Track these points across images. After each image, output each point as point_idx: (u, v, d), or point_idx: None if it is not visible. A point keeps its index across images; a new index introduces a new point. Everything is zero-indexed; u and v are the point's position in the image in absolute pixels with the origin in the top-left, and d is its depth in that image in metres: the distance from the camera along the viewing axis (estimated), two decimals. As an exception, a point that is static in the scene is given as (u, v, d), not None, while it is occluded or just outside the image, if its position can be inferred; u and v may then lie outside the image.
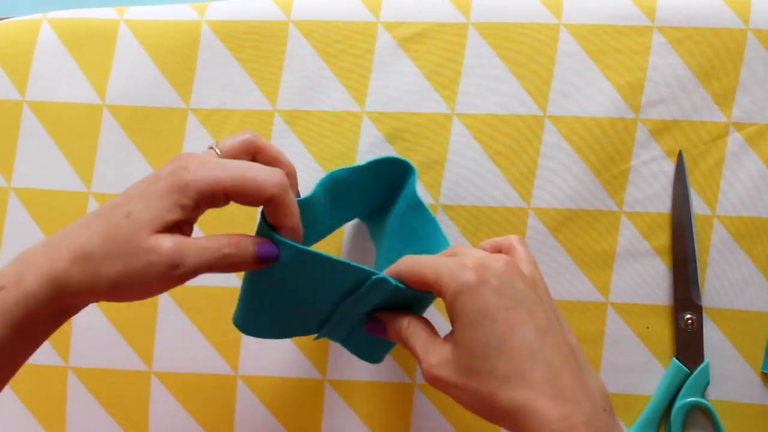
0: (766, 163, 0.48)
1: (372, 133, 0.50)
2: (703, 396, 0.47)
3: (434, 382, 0.34)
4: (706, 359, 0.47)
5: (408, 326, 0.36)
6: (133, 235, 0.33)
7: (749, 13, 0.48)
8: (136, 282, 0.34)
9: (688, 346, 0.47)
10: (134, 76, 0.52)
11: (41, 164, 0.52)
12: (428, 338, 0.35)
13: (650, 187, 0.49)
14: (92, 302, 0.36)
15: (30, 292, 0.33)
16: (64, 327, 0.51)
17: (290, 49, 0.51)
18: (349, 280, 0.37)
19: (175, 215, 0.34)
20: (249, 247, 0.35)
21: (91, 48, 0.52)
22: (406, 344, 0.36)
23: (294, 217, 0.36)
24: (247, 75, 0.51)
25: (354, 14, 0.51)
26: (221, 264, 0.34)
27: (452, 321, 0.33)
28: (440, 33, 0.50)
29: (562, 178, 0.49)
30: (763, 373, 0.47)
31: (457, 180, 0.50)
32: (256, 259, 0.35)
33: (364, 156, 0.50)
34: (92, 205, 0.51)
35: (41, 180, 0.52)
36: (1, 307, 0.33)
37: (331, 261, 0.36)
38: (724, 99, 0.48)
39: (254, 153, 0.38)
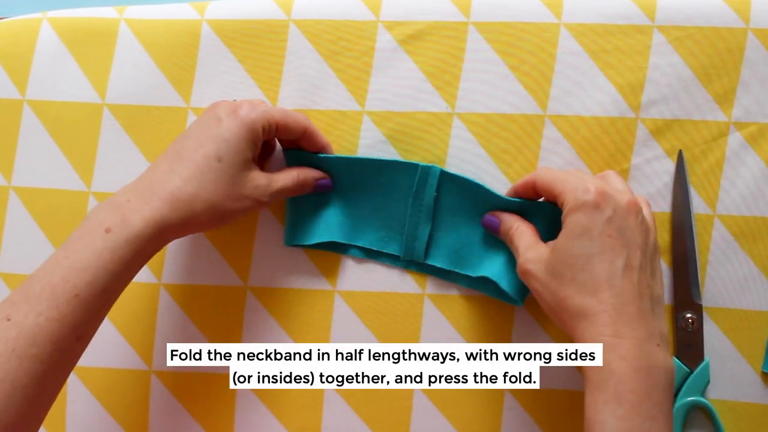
0: (766, 163, 0.48)
1: (372, 133, 0.50)
2: (703, 395, 0.47)
3: (524, 274, 0.41)
4: (706, 359, 0.47)
5: (517, 227, 0.43)
6: (231, 175, 0.41)
7: (749, 12, 0.48)
8: (237, 213, 0.42)
9: (688, 346, 0.47)
10: (134, 75, 0.52)
11: (41, 164, 0.52)
12: (531, 239, 0.42)
13: (650, 186, 0.49)
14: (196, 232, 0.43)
15: (138, 233, 0.38)
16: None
17: (290, 49, 0.51)
18: (400, 179, 0.47)
19: (254, 151, 0.42)
20: (310, 182, 0.46)
21: (91, 47, 0.52)
22: (511, 242, 0.43)
23: (324, 138, 0.47)
24: (247, 74, 0.51)
25: (354, 13, 0.51)
26: (299, 188, 0.46)
27: (562, 230, 0.39)
28: (440, 32, 0.50)
29: (562, 178, 0.49)
30: (763, 372, 0.47)
31: (457, 179, 0.50)
32: (315, 188, 0.47)
33: (364, 154, 0.50)
34: (92, 205, 0.51)
35: (41, 180, 0.52)
36: (112, 246, 0.38)
37: (372, 161, 0.47)
38: (725, 98, 0.48)
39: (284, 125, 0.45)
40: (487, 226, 0.46)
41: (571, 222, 0.38)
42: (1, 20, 0.54)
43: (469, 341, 0.49)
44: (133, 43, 0.52)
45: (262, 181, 0.43)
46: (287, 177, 0.45)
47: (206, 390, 0.50)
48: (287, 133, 0.45)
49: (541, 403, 0.48)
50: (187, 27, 0.52)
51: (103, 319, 0.39)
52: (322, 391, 0.49)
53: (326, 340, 0.50)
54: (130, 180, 0.51)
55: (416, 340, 0.49)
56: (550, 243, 0.40)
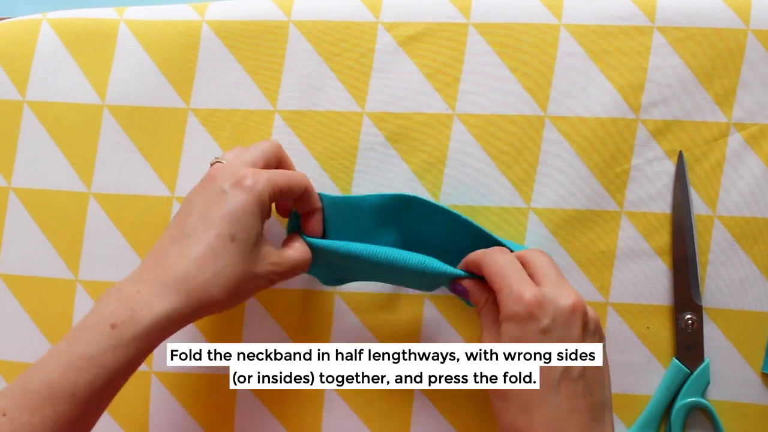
0: (766, 163, 0.48)
1: (372, 133, 0.50)
2: (703, 396, 0.47)
3: None
4: (706, 359, 0.47)
5: (484, 302, 0.40)
6: (246, 255, 0.38)
7: (749, 13, 0.48)
8: (252, 291, 0.40)
9: (688, 346, 0.47)
10: (134, 76, 0.52)
11: (41, 164, 0.52)
12: (492, 324, 0.39)
13: (651, 187, 0.49)
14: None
15: (145, 329, 0.36)
16: (64, 326, 0.51)
17: (290, 49, 0.51)
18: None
19: (262, 226, 0.40)
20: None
21: (91, 48, 0.52)
22: (479, 315, 0.40)
23: (317, 201, 0.45)
24: (247, 75, 0.51)
25: (354, 14, 0.51)
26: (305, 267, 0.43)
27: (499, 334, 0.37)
28: (440, 33, 0.50)
29: (563, 178, 0.49)
30: (763, 373, 0.47)
31: (457, 180, 0.50)
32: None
33: (364, 154, 0.50)
34: (92, 205, 0.51)
35: (41, 180, 0.52)
36: (116, 343, 0.35)
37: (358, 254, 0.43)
38: (725, 99, 0.48)
39: (277, 162, 0.44)
40: (455, 293, 0.43)
41: (503, 332, 0.37)
42: (1, 21, 0.54)
43: (469, 341, 0.49)
44: (133, 44, 0.52)
45: (274, 258, 0.40)
46: (297, 253, 0.42)
47: (206, 390, 0.50)
48: (289, 196, 0.42)
49: (541, 404, 0.48)
50: (187, 28, 0.52)
51: (101, 413, 0.37)
52: (322, 391, 0.49)
53: (326, 340, 0.50)
54: (130, 180, 0.52)
55: (416, 340, 0.49)
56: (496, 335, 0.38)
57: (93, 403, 0.35)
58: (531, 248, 0.42)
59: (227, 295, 0.37)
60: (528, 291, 0.36)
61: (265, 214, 0.40)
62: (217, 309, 0.38)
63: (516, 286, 0.37)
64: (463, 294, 0.42)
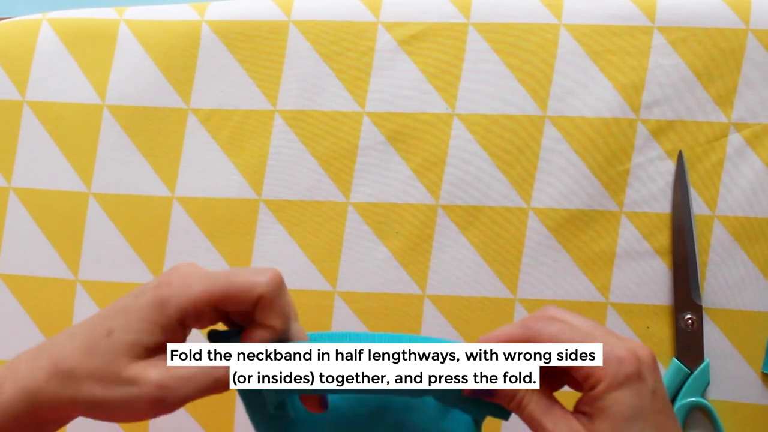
0: (766, 164, 0.48)
1: (372, 133, 0.50)
2: (703, 396, 0.47)
3: None
4: (706, 359, 0.47)
5: (525, 394, 0.33)
6: (112, 358, 0.31)
7: (749, 13, 0.48)
8: (118, 409, 0.31)
9: (688, 346, 0.47)
10: (134, 76, 0.52)
11: (41, 164, 0.52)
12: (553, 406, 0.32)
13: (650, 187, 0.49)
14: (78, 416, 0.32)
15: (4, 402, 0.31)
16: (64, 326, 0.51)
17: (290, 49, 0.51)
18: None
19: (156, 338, 0.31)
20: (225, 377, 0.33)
21: (91, 48, 0.52)
22: (522, 411, 0.33)
23: (283, 318, 0.33)
24: (247, 75, 0.51)
25: (354, 14, 0.51)
26: (213, 389, 0.32)
27: (594, 415, 0.31)
28: (440, 33, 0.50)
29: (562, 178, 0.49)
30: (763, 373, 0.47)
31: (457, 180, 0.49)
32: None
33: (364, 154, 0.50)
34: (92, 205, 0.51)
35: (41, 180, 0.52)
36: None
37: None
38: (725, 99, 0.48)
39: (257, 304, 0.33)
40: (478, 392, 0.35)
41: (614, 404, 0.30)
42: (1, 21, 0.54)
43: (469, 341, 0.49)
44: (133, 44, 0.52)
45: (151, 373, 0.31)
46: (200, 372, 0.32)
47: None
48: (232, 309, 0.33)
49: (541, 404, 0.48)
50: (187, 28, 0.52)
51: None
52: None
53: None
54: (130, 181, 0.52)
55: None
56: (582, 418, 0.31)
57: None
58: (538, 311, 0.36)
59: (84, 391, 0.31)
60: (620, 346, 0.31)
61: (165, 328, 0.32)
62: (82, 408, 0.31)
63: (612, 345, 0.31)
64: (487, 396, 0.34)
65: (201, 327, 0.33)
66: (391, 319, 0.49)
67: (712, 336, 0.48)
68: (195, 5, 0.52)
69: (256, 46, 0.51)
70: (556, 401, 0.33)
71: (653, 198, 0.49)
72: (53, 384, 0.31)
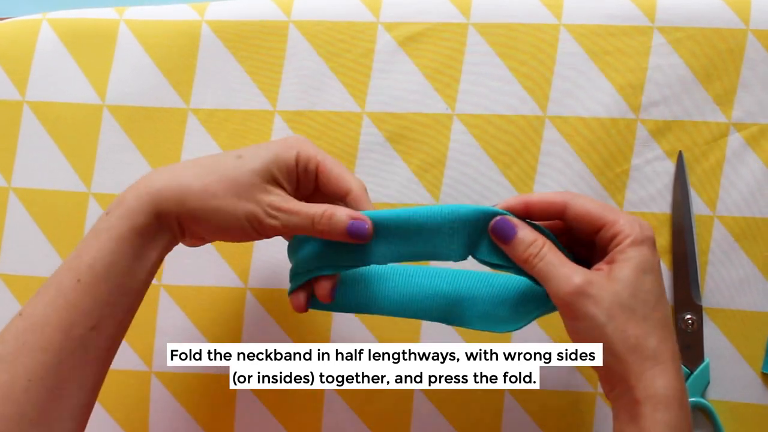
0: (766, 164, 0.48)
1: (372, 134, 0.50)
2: (703, 396, 0.47)
3: (580, 296, 0.34)
4: (706, 359, 0.47)
5: (545, 243, 0.36)
6: (242, 173, 0.37)
7: (749, 13, 0.48)
8: (230, 215, 0.36)
9: (688, 346, 0.47)
10: (134, 76, 0.52)
11: (41, 164, 0.52)
12: (566, 259, 0.36)
13: (650, 187, 0.49)
14: (189, 229, 0.38)
15: (131, 208, 0.36)
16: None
17: (290, 49, 0.51)
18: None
19: (278, 168, 0.38)
20: (341, 222, 0.37)
21: (91, 48, 0.52)
22: (537, 257, 0.36)
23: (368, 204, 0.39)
24: (247, 75, 0.51)
25: (354, 14, 0.51)
26: (308, 231, 0.37)
27: (616, 261, 0.35)
28: (440, 33, 0.50)
29: (562, 178, 0.49)
30: (763, 373, 0.47)
31: (457, 180, 0.50)
32: (347, 233, 0.37)
33: (364, 155, 0.50)
34: (92, 205, 0.51)
35: (41, 180, 0.52)
36: (107, 225, 0.36)
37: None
38: (725, 99, 0.48)
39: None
40: (497, 231, 0.37)
41: (637, 255, 0.34)
42: (1, 21, 0.54)
43: (468, 341, 0.49)
44: (133, 44, 0.52)
45: (273, 195, 0.37)
46: (310, 206, 0.37)
47: (206, 390, 0.50)
48: (329, 188, 0.39)
49: (541, 403, 0.48)
50: (186, 28, 0.52)
51: (123, 311, 0.37)
52: (322, 391, 0.49)
53: (326, 340, 0.50)
54: (130, 181, 0.51)
55: (416, 340, 0.49)
56: (599, 272, 0.35)
57: (101, 288, 0.36)
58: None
59: (203, 197, 0.36)
60: (638, 218, 0.36)
61: (283, 164, 0.38)
62: (197, 216, 0.37)
63: (631, 216, 0.36)
64: (507, 231, 0.36)
65: (306, 183, 0.39)
66: (391, 319, 0.49)
67: (712, 336, 0.48)
68: (195, 5, 0.52)
69: (256, 46, 0.51)
70: (570, 261, 0.36)
71: (653, 198, 0.49)
72: (175, 188, 0.36)
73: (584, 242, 0.38)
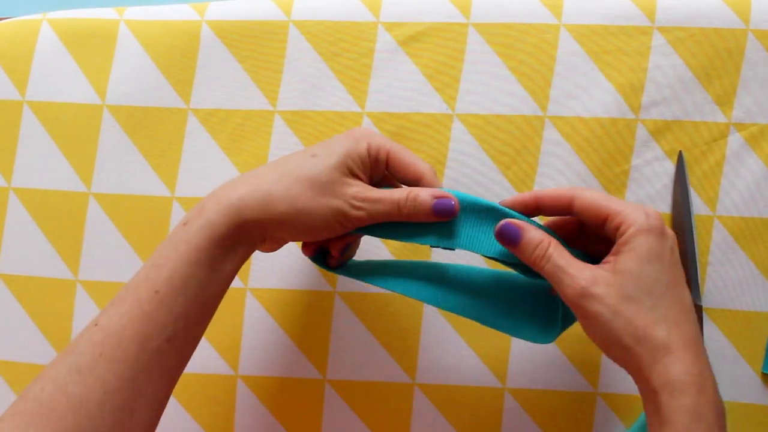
0: (766, 163, 0.48)
1: (372, 134, 0.50)
2: (703, 396, 0.47)
3: (584, 297, 0.34)
4: (706, 359, 0.47)
5: (550, 241, 0.36)
6: (320, 171, 0.37)
7: (749, 13, 0.48)
8: (316, 213, 0.37)
9: (688, 347, 0.47)
10: (134, 76, 0.52)
11: (41, 164, 0.52)
12: (572, 257, 0.36)
13: (650, 187, 0.49)
14: (272, 235, 0.38)
15: (211, 220, 0.36)
16: (64, 326, 0.51)
17: (290, 49, 0.51)
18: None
19: (353, 161, 0.38)
20: (426, 202, 0.37)
21: (91, 48, 0.52)
22: (545, 258, 0.36)
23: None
24: (247, 75, 0.51)
25: (354, 14, 0.51)
26: (395, 215, 0.38)
27: (621, 253, 0.35)
28: (440, 33, 0.50)
29: (562, 178, 0.49)
30: (763, 373, 0.47)
31: (456, 180, 0.50)
32: (433, 213, 0.37)
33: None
34: (92, 205, 0.51)
35: (41, 180, 0.52)
36: (186, 236, 0.35)
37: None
38: (725, 99, 0.48)
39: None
40: (503, 235, 0.37)
41: (640, 245, 0.35)
42: (1, 21, 0.54)
43: (468, 342, 0.49)
44: (133, 44, 0.52)
45: (354, 187, 0.37)
46: (392, 192, 0.38)
47: (206, 390, 0.50)
48: (399, 171, 0.40)
49: (541, 403, 0.48)
50: (186, 28, 0.52)
51: (198, 323, 0.37)
52: (322, 391, 0.49)
53: (326, 340, 0.50)
54: (130, 181, 0.52)
55: (416, 340, 0.49)
56: (606, 265, 0.36)
57: (178, 300, 0.35)
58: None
59: (287, 201, 0.36)
60: (650, 210, 0.36)
61: (357, 156, 0.38)
62: (282, 220, 0.37)
63: (638, 205, 0.36)
64: (512, 235, 0.37)
65: (376, 171, 0.40)
66: (391, 319, 0.49)
67: (712, 336, 0.48)
68: (195, 5, 0.52)
69: (256, 46, 0.51)
70: (577, 259, 0.36)
71: (653, 199, 0.49)
72: (258, 196, 0.36)
73: (598, 238, 0.38)
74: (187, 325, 0.36)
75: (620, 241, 0.35)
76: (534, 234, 0.37)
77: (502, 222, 0.37)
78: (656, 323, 0.34)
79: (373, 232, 0.39)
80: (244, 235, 0.37)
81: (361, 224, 0.38)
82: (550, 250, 0.36)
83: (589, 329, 0.35)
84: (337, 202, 0.37)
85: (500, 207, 0.38)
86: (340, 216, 0.37)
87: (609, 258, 0.36)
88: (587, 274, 0.35)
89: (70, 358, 0.34)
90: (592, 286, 0.34)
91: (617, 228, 0.36)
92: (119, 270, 0.51)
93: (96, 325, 0.35)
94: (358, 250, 0.49)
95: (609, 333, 0.34)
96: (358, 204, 0.37)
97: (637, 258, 0.35)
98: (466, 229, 0.39)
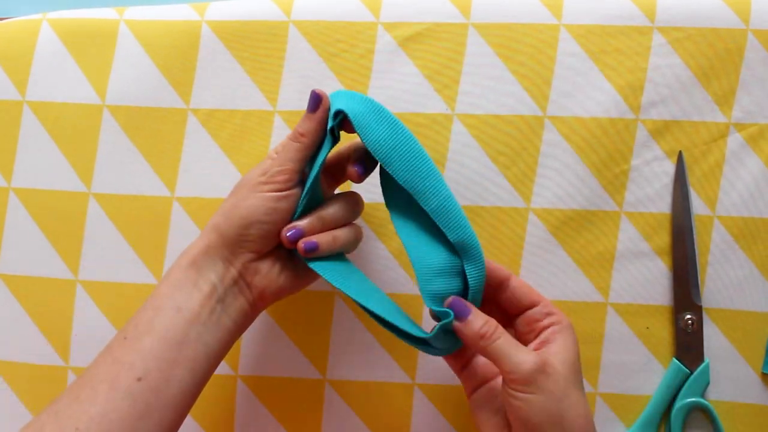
0: (766, 164, 0.48)
1: (372, 134, 0.50)
2: (703, 396, 0.47)
3: (544, 378, 0.36)
4: (706, 359, 0.47)
5: (497, 326, 0.39)
6: (245, 178, 0.42)
7: (749, 13, 0.48)
8: (243, 204, 0.40)
9: (688, 347, 0.47)
10: (134, 76, 0.52)
11: (41, 164, 0.52)
12: (518, 342, 0.39)
13: (650, 187, 0.49)
14: (234, 240, 0.40)
15: (192, 260, 0.40)
16: (64, 326, 0.51)
17: (290, 49, 0.51)
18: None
19: (299, 166, 0.42)
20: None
21: (91, 48, 0.52)
22: (496, 339, 0.38)
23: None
24: (247, 75, 0.51)
25: (354, 14, 0.51)
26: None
27: (553, 341, 0.40)
28: (440, 33, 0.50)
29: (562, 178, 0.49)
30: (763, 373, 0.47)
31: (457, 180, 0.50)
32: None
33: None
34: (92, 205, 0.51)
35: (41, 180, 0.52)
36: (167, 274, 0.40)
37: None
38: (725, 99, 0.48)
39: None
40: (454, 308, 0.39)
41: (569, 337, 0.40)
42: (1, 21, 0.54)
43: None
44: (133, 44, 0.52)
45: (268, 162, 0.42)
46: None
47: (206, 390, 0.50)
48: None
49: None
50: (186, 28, 0.52)
51: (167, 361, 0.37)
52: (322, 391, 0.49)
53: (325, 340, 0.50)
54: (130, 181, 0.52)
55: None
56: (549, 352, 0.39)
57: (145, 341, 0.37)
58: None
59: (246, 219, 0.40)
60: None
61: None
62: (253, 239, 0.40)
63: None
64: (461, 311, 0.39)
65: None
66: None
67: (712, 336, 0.48)
68: (195, 5, 0.52)
69: (256, 46, 0.51)
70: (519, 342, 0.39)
71: (653, 198, 0.49)
72: (229, 222, 0.40)
73: (509, 317, 0.43)
74: (156, 362, 0.37)
75: (554, 329, 0.40)
76: (480, 314, 0.39)
77: (452, 297, 0.40)
78: (585, 401, 0.38)
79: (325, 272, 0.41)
80: (211, 250, 0.40)
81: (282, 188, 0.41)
82: (499, 330, 0.38)
83: (531, 403, 0.36)
84: (265, 189, 0.41)
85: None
86: (256, 189, 0.40)
87: (546, 346, 0.39)
88: (538, 354, 0.37)
89: (52, 407, 0.36)
90: (545, 365, 0.37)
91: (547, 315, 0.41)
92: (119, 270, 0.51)
93: (80, 376, 0.38)
94: (357, 251, 0.49)
95: (556, 412, 0.36)
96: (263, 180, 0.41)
97: (567, 347, 0.39)
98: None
